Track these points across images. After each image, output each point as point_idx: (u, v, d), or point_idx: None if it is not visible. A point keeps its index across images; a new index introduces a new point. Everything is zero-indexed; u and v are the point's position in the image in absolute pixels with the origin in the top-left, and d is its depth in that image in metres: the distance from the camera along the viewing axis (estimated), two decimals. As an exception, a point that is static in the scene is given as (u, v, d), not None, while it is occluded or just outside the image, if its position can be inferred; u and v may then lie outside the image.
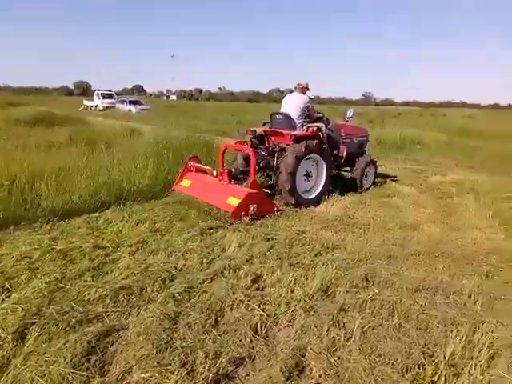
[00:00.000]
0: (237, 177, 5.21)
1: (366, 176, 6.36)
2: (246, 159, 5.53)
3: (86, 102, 33.71)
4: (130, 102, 29.47)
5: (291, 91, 6.33)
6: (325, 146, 5.55)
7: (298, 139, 5.21)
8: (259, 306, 2.60)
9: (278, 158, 5.28)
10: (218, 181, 4.95)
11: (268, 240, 3.86)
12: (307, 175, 5.48)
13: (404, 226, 4.63)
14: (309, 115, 5.96)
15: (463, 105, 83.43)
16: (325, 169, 5.57)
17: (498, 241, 4.20)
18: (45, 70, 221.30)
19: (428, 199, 5.99)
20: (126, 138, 10.09)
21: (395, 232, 4.40)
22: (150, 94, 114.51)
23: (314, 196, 5.49)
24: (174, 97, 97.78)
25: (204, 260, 3.31)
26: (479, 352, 2.21)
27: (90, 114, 26.68)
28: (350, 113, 6.65)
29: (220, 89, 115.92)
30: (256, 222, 4.42)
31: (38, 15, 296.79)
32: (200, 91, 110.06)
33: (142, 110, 28.11)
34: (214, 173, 5.00)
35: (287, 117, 5.72)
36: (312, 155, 5.36)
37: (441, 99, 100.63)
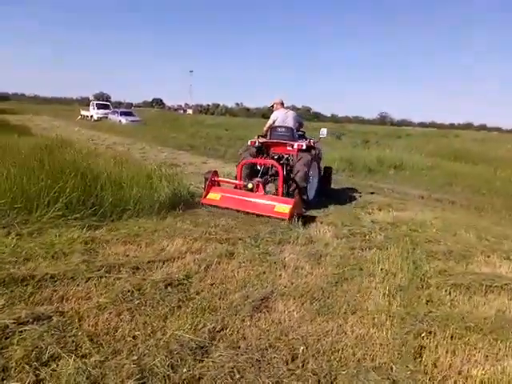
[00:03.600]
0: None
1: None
2: (252, 171, 6.13)
3: (83, 112, 34.19)
4: (121, 114, 29.35)
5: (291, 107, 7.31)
6: (317, 155, 6.60)
7: (307, 149, 6.11)
8: None
9: (288, 165, 6.12)
10: (253, 192, 5.39)
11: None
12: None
13: (249, 302, 2.95)
14: (298, 128, 6.76)
15: (482, 127, 79.76)
16: (317, 174, 6.68)
17: (370, 347, 2.46)
18: (72, 82, 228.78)
19: (336, 250, 4.22)
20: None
21: (218, 317, 2.72)
22: (169, 108, 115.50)
23: (310, 197, 6.18)
24: (190, 111, 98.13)
25: None
26: None
27: (78, 124, 25.95)
28: (322, 132, 7.29)
29: (237, 104, 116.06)
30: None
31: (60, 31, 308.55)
32: (217, 106, 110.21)
33: (133, 121, 27.86)
34: (250, 185, 5.43)
35: (290, 129, 6.35)
36: (314, 162, 6.24)
37: (461, 121, 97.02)
